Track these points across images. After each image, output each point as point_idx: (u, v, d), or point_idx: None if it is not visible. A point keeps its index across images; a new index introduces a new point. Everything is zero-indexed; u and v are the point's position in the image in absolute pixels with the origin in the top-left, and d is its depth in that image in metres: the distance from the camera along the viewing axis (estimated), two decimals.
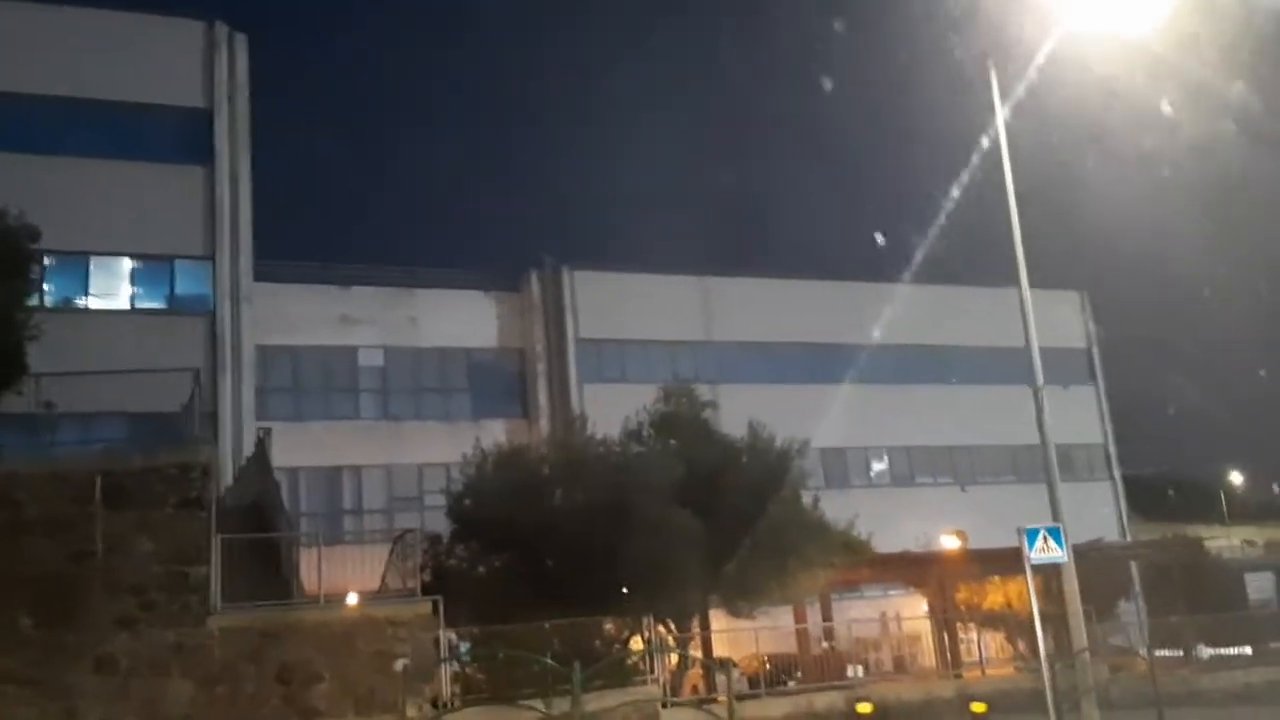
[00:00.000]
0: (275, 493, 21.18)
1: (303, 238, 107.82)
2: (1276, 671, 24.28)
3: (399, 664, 15.64)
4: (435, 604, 17.14)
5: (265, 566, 17.63)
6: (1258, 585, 34.37)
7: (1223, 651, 26.56)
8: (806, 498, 23.69)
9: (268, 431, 23.56)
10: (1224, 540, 42.10)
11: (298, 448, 30.47)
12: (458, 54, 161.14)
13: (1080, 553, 18.68)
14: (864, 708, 14.63)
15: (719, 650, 23.29)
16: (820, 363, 37.18)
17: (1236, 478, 71.56)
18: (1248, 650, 26.84)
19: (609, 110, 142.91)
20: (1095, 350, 46.09)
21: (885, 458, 41.04)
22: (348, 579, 19.18)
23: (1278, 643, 27.30)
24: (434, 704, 16.66)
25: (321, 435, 32.82)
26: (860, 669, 24.74)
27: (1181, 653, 25.55)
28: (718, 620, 23.70)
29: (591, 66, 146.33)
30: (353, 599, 17.62)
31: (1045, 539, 16.78)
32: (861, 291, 37.30)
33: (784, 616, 25.49)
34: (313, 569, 17.56)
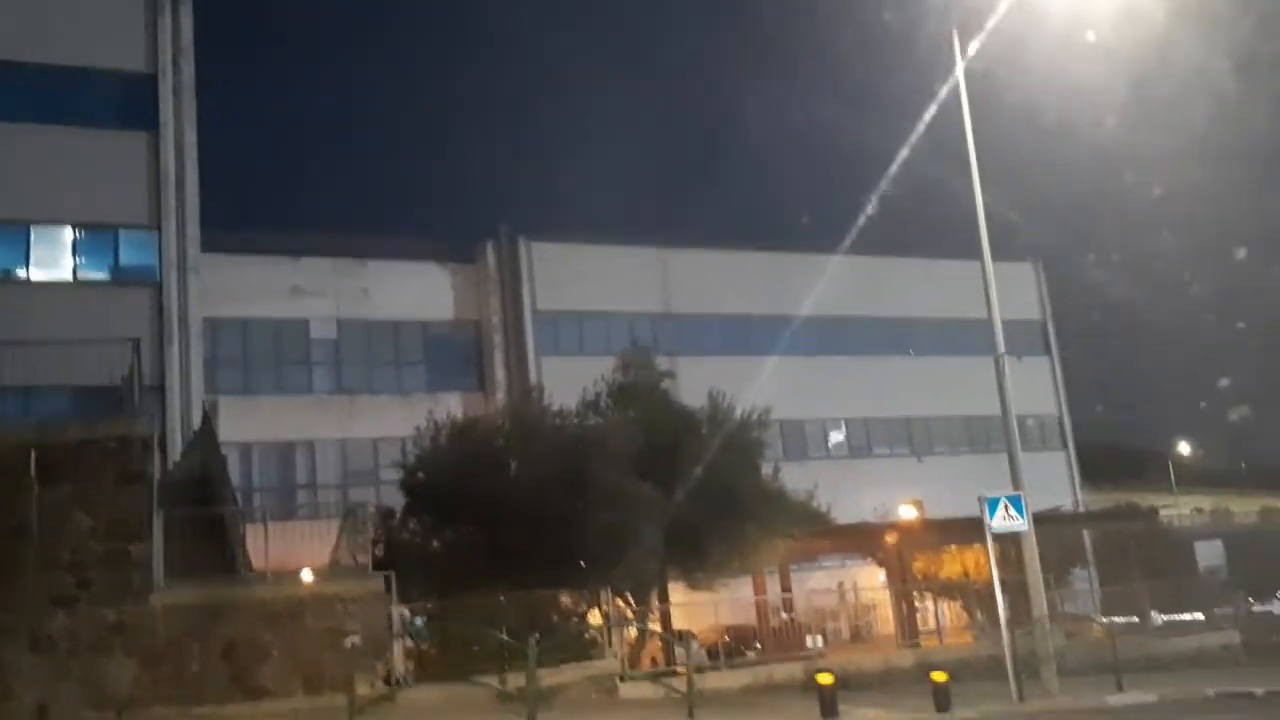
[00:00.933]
0: (221, 467, 20.67)
1: (252, 207, 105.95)
2: (1228, 636, 24.64)
3: (349, 641, 15.29)
4: (388, 579, 16.83)
5: (210, 543, 17.18)
6: (1206, 552, 35.02)
7: (1175, 617, 26.93)
8: (766, 468, 23.58)
9: (213, 405, 23.01)
10: (1173, 509, 42.75)
11: (249, 422, 29.92)
12: (411, 22, 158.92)
13: (1038, 520, 18.71)
14: (824, 678, 14.49)
15: (678, 623, 23.15)
16: (779, 334, 37.03)
17: (1184, 447, 72.82)
18: (1199, 616, 27.26)
19: (566, 79, 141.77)
20: (1049, 322, 46.42)
21: (843, 429, 41.13)
22: (299, 555, 18.79)
23: (1227, 609, 27.75)
24: (386, 681, 16.34)
25: (274, 409, 32.25)
26: (819, 639, 24.77)
27: (1136, 619, 25.85)
28: (676, 593, 23.56)
29: (547, 32, 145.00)
30: (307, 575, 17.24)
31: (1006, 507, 16.77)
32: (819, 263, 37.19)
33: (743, 588, 25.44)
34: (261, 545, 17.14)
